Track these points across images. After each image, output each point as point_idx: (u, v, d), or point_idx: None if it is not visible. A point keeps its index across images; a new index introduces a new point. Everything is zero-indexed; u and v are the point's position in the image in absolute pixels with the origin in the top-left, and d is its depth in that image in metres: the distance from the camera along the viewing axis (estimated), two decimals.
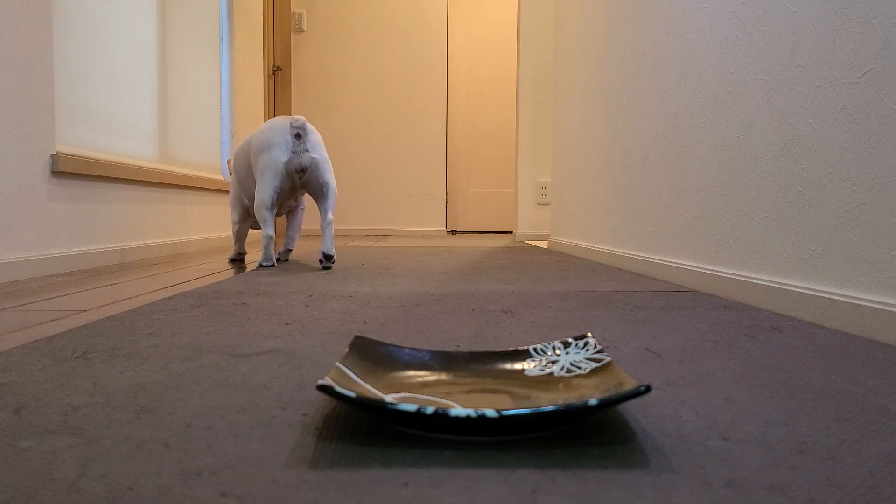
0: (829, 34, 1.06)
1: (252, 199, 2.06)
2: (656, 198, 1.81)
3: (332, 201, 1.94)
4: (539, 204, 3.93)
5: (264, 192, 1.86)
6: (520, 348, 0.68)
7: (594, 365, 0.62)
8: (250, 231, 2.35)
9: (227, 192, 3.32)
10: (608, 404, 0.48)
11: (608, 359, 0.62)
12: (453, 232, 5.12)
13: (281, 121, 1.91)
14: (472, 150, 5.06)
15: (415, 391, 0.59)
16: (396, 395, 0.57)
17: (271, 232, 1.90)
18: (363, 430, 0.52)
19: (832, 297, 1.03)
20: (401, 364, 0.65)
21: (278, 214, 2.09)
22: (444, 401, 0.57)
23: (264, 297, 1.30)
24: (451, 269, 1.93)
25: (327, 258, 1.93)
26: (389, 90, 4.85)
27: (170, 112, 2.66)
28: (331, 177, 1.93)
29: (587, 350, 0.65)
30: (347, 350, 0.63)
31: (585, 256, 2.50)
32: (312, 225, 4.90)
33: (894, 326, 0.90)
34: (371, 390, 0.57)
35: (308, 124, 1.91)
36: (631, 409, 0.59)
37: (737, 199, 1.36)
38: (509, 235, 4.67)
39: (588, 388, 0.57)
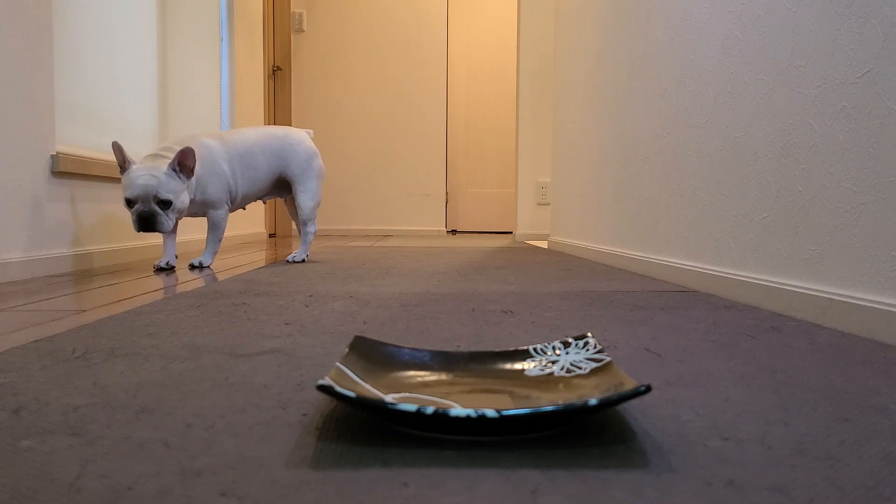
0: (829, 34, 1.06)
1: (250, 193, 2.08)
2: (656, 198, 1.81)
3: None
4: (539, 204, 3.93)
5: (319, 193, 2.17)
6: (520, 348, 0.68)
7: (594, 365, 0.62)
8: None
9: None
10: (608, 404, 0.48)
11: (608, 359, 0.62)
12: (453, 232, 5.12)
13: (304, 132, 2.18)
14: (472, 150, 5.06)
15: (415, 391, 0.59)
16: (396, 395, 0.57)
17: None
18: (363, 430, 0.52)
19: (832, 297, 1.03)
20: (401, 364, 0.65)
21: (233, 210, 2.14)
22: (444, 401, 0.57)
23: (264, 297, 1.30)
24: (451, 269, 1.94)
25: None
26: (389, 90, 4.85)
27: (170, 112, 2.66)
28: None
29: (587, 350, 0.65)
30: (347, 350, 0.63)
31: (585, 256, 2.50)
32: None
33: (894, 326, 0.90)
34: (371, 390, 0.57)
35: None
36: (631, 409, 0.59)
37: (737, 199, 1.36)
38: (509, 235, 4.67)
39: (588, 388, 0.57)
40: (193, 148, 1.85)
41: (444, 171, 4.89)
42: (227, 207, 2.00)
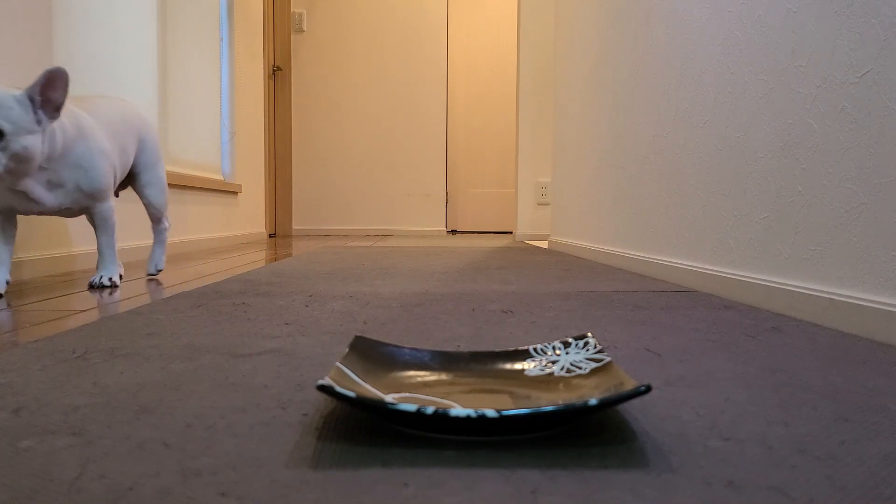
0: (829, 34, 1.06)
1: (114, 182, 1.53)
2: (656, 198, 1.81)
3: None
4: (539, 204, 3.93)
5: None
6: (520, 348, 0.68)
7: (594, 365, 0.62)
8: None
9: (229, 191, 3.33)
10: (608, 404, 0.48)
11: (608, 359, 0.62)
12: (453, 232, 5.12)
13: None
14: (473, 149, 5.06)
15: (415, 391, 0.59)
16: (396, 395, 0.57)
17: None
18: (363, 430, 0.52)
19: (832, 297, 1.03)
20: (401, 364, 0.65)
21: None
22: (444, 401, 0.57)
23: (264, 297, 1.30)
24: (451, 269, 1.93)
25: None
26: (389, 90, 4.85)
27: (170, 112, 2.66)
28: None
29: (587, 350, 0.65)
30: (347, 350, 0.63)
31: (585, 256, 2.50)
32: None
33: (894, 326, 0.90)
34: (371, 390, 0.57)
35: None
36: (631, 409, 0.59)
37: (737, 199, 1.36)
38: (509, 235, 4.67)
39: (588, 388, 0.57)
40: (67, 121, 1.35)
41: (444, 171, 4.89)
42: (113, 199, 1.49)
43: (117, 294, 1.38)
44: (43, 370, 0.71)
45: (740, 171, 1.35)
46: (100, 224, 1.47)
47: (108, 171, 1.44)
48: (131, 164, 1.62)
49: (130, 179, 1.69)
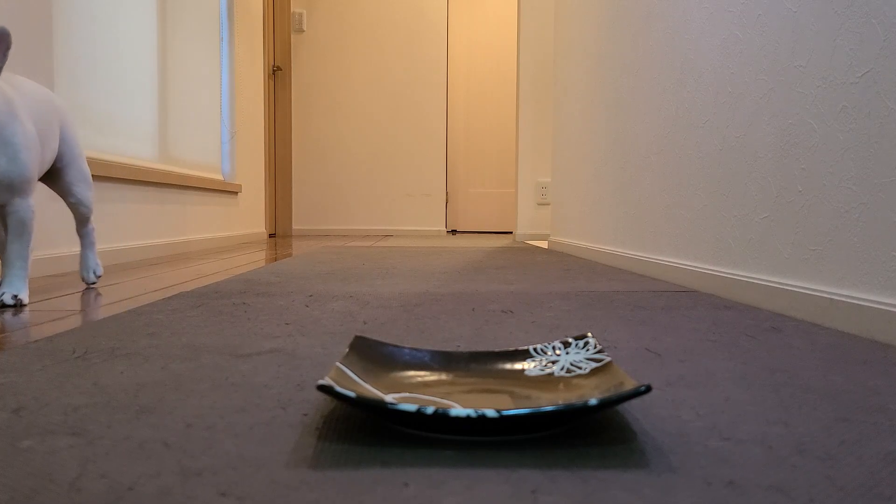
0: (829, 34, 1.06)
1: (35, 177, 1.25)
2: (656, 198, 1.81)
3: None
4: (539, 204, 3.93)
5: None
6: (520, 348, 0.68)
7: (594, 365, 0.62)
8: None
9: (229, 191, 3.33)
10: (608, 404, 0.48)
11: (608, 359, 0.62)
12: (453, 232, 5.12)
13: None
14: (473, 149, 5.06)
15: (415, 391, 0.59)
16: (396, 395, 0.57)
17: None
18: (363, 430, 0.52)
19: (832, 297, 1.03)
20: (401, 364, 0.65)
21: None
22: (444, 401, 0.57)
23: (264, 297, 1.30)
24: (451, 269, 1.93)
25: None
26: (389, 90, 4.85)
27: (170, 112, 2.66)
28: None
29: (587, 350, 0.65)
30: (347, 350, 0.63)
31: (585, 256, 2.50)
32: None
33: (894, 326, 0.90)
34: (371, 390, 0.57)
35: None
36: (631, 409, 0.59)
37: (737, 199, 1.36)
38: (509, 235, 4.67)
39: (588, 388, 0.57)
40: None
41: (444, 171, 4.89)
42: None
43: (117, 294, 1.38)
44: (43, 370, 0.71)
45: (740, 171, 1.35)
46: (15, 227, 1.20)
47: (35, 161, 1.21)
48: (54, 158, 1.39)
49: (52, 176, 1.43)
